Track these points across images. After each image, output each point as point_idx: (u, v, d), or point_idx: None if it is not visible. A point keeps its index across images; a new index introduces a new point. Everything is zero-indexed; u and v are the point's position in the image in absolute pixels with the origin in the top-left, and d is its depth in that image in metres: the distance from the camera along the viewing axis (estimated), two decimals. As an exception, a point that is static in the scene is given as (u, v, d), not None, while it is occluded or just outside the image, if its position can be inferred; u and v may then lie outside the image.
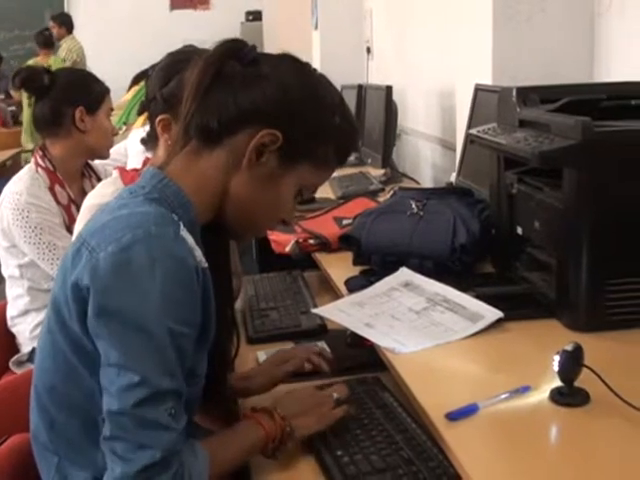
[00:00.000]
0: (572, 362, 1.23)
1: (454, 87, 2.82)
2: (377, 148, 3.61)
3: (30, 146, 6.78)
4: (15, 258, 2.40)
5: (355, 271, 1.99)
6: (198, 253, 1.17)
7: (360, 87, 4.03)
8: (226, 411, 1.48)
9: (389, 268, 1.87)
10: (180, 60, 1.78)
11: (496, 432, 1.23)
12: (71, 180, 2.48)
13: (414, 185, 3.23)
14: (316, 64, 4.84)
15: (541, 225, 1.64)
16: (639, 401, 1.18)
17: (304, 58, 1.31)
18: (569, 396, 1.24)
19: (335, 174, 1.43)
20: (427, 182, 3.56)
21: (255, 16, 8.46)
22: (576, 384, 1.25)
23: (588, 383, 1.24)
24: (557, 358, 1.23)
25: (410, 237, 1.92)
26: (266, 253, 2.51)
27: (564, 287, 1.54)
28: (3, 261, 2.46)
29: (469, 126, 2.41)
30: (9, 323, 2.48)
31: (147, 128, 1.91)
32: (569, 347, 1.23)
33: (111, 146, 2.62)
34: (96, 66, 6.74)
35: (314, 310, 1.86)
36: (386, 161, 3.52)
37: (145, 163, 1.94)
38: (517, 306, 1.62)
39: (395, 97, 3.55)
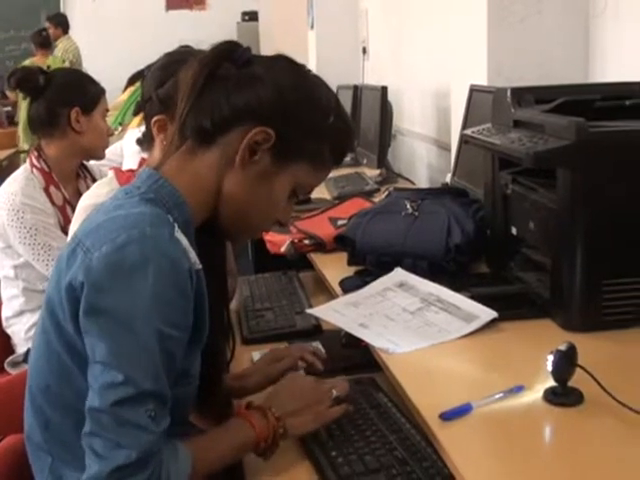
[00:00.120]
0: (566, 362, 1.23)
1: (449, 88, 2.83)
2: (373, 148, 3.62)
3: (27, 147, 6.77)
4: (10, 259, 2.40)
5: (350, 271, 1.99)
6: (192, 255, 1.17)
7: (356, 87, 4.03)
8: (221, 411, 1.47)
9: (384, 268, 1.87)
10: (176, 61, 1.77)
11: (490, 432, 1.24)
12: (66, 181, 2.48)
13: (409, 185, 3.24)
14: (312, 64, 4.84)
15: (535, 225, 1.64)
16: (632, 401, 1.19)
17: (300, 59, 1.32)
18: (563, 396, 1.25)
19: (331, 174, 1.43)
20: (422, 182, 3.57)
21: (251, 16, 8.47)
22: (570, 384, 1.25)
23: (582, 383, 1.25)
24: (551, 358, 1.24)
25: (405, 237, 1.92)
26: (262, 254, 2.51)
27: (558, 287, 1.55)
28: (-2, 262, 2.46)
29: (464, 126, 2.41)
30: (4, 324, 2.48)
31: (143, 129, 1.91)
32: (563, 347, 1.24)
33: (106, 147, 2.62)
34: (92, 66, 6.72)
35: (309, 310, 1.87)
36: (381, 161, 3.53)
37: (141, 164, 1.94)
38: (511, 306, 1.63)
39: (390, 97, 3.55)
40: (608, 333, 1.49)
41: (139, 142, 1.93)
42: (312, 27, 5.06)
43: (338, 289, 1.90)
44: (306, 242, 2.28)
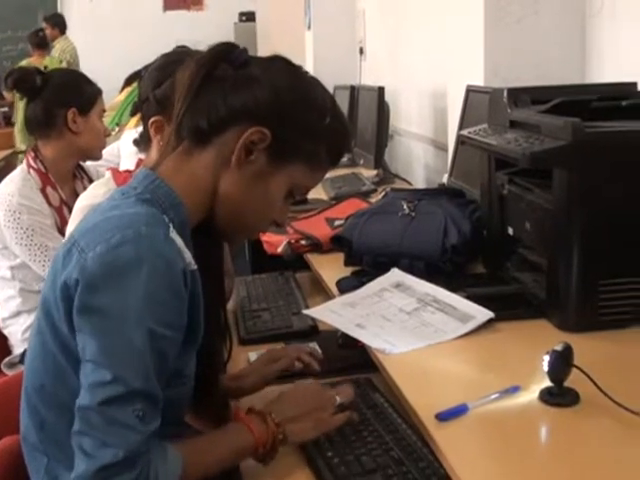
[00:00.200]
0: (562, 362, 1.24)
1: (446, 88, 2.83)
2: (369, 149, 3.62)
3: (24, 147, 6.77)
4: (6, 260, 2.40)
5: (347, 272, 1.99)
6: (187, 255, 1.17)
7: (353, 88, 4.03)
8: (218, 412, 1.47)
9: (380, 269, 1.87)
10: (173, 61, 1.77)
11: (486, 432, 1.24)
12: (63, 181, 2.47)
13: (406, 186, 3.24)
14: (309, 65, 4.85)
15: (532, 226, 1.64)
16: (629, 401, 1.19)
17: (297, 59, 1.32)
18: (559, 396, 1.25)
19: (327, 175, 1.43)
20: (419, 183, 3.57)
21: (248, 17, 8.46)
22: (566, 384, 1.25)
23: (578, 383, 1.25)
24: (547, 358, 1.24)
25: (401, 238, 1.93)
26: (258, 254, 2.51)
27: (554, 287, 1.55)
28: (-6, 263, 2.45)
29: (461, 127, 2.41)
30: (1, 325, 2.48)
31: (140, 129, 1.91)
32: (559, 347, 1.24)
33: (103, 147, 2.62)
34: (89, 67, 6.72)
35: (305, 311, 1.87)
36: (378, 162, 3.53)
37: (138, 164, 1.94)
38: (508, 306, 1.63)
39: (387, 98, 3.55)
40: (604, 333, 1.50)
41: (136, 143, 1.93)
42: (309, 27, 5.07)
43: (335, 289, 1.90)
44: (303, 242, 2.28)
